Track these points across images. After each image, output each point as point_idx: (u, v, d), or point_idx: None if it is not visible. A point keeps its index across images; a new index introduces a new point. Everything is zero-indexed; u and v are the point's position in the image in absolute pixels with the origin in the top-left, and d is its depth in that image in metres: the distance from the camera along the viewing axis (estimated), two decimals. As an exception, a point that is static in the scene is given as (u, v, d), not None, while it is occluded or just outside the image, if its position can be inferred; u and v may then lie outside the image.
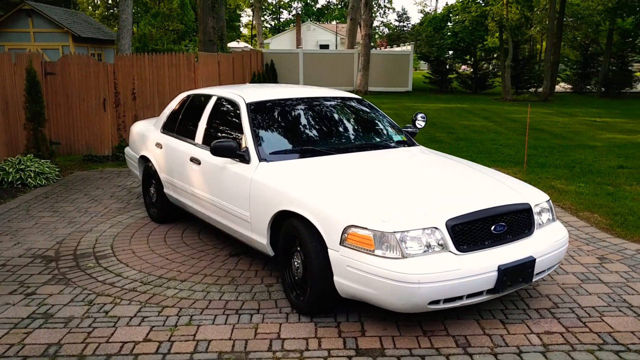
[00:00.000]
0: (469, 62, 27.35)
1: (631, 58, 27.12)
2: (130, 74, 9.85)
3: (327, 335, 3.54)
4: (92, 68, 9.64)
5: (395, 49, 31.16)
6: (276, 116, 4.79)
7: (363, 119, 5.18)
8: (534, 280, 3.63)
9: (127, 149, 6.83)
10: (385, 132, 5.08)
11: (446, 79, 27.90)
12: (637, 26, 24.19)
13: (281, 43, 58.17)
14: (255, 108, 4.70)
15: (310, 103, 5.04)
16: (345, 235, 3.37)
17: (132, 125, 6.78)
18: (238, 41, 55.39)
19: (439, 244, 3.31)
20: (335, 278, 3.48)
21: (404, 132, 5.18)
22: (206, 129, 5.03)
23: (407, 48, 28.14)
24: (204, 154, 4.83)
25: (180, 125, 5.52)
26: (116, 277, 4.54)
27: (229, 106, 4.95)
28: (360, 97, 5.43)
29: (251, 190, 4.16)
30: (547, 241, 3.72)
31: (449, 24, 25.39)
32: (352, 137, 4.88)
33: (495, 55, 27.52)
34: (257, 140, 4.40)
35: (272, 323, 3.71)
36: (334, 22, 68.41)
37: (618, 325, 3.67)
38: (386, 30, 78.27)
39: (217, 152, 4.33)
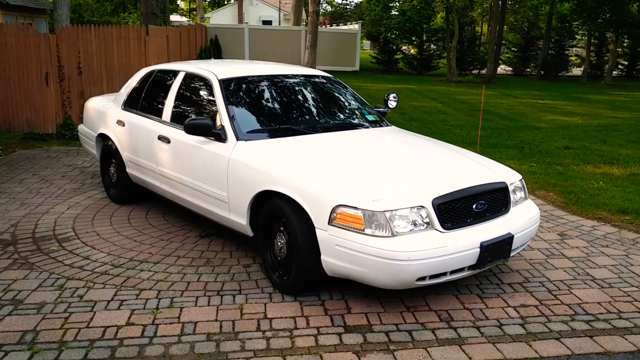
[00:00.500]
0: (415, 42, 27.66)
1: (568, 43, 28.19)
2: (75, 46, 9.39)
3: (313, 313, 3.55)
4: (31, 39, 9.12)
5: (342, 27, 31.07)
6: (250, 94, 4.69)
7: (337, 97, 5.16)
8: (511, 255, 3.75)
9: (81, 127, 6.55)
10: (358, 111, 5.08)
11: (392, 59, 28.16)
12: (573, 12, 25.11)
13: (222, 18, 56.94)
14: (229, 85, 4.59)
15: (283, 81, 4.97)
16: (334, 214, 3.37)
17: (87, 101, 6.49)
18: (175, 15, 53.78)
19: (425, 222, 3.37)
20: (322, 257, 3.48)
21: (375, 111, 5.20)
22: (175, 106, 4.88)
23: (355, 27, 28.15)
24: (174, 132, 4.69)
25: (144, 102, 5.33)
26: (84, 260, 4.37)
27: (199, 83, 4.81)
28: (330, 76, 5.40)
29: (229, 170, 4.08)
30: (522, 218, 3.85)
31: (396, 2, 25.51)
32: (327, 116, 4.85)
33: (440, 37, 27.96)
34: (233, 118, 4.30)
35: (257, 303, 3.68)
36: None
37: (585, 296, 3.86)
38: (329, 8, 77.95)
39: (191, 130, 4.21)
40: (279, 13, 57.81)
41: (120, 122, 5.48)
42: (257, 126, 4.40)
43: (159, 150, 4.85)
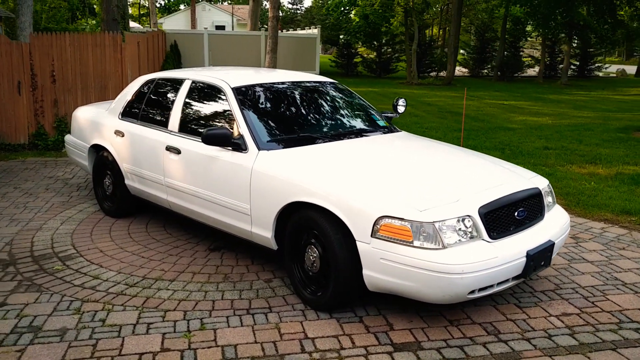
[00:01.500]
0: (374, 45, 27.81)
1: (522, 45, 28.93)
2: (49, 54, 8.93)
3: (355, 331, 3.40)
4: (3, 47, 8.63)
5: (302, 32, 30.95)
6: (264, 102, 4.52)
7: (347, 103, 5.03)
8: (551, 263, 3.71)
9: (69, 137, 6.19)
10: (370, 117, 4.96)
11: (352, 63, 28.22)
12: (527, 14, 25.76)
13: (174, 23, 55.99)
14: (242, 93, 4.39)
15: (293, 87, 4.81)
16: (378, 226, 3.24)
17: (76, 110, 6.15)
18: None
19: (472, 233, 3.27)
20: (364, 271, 3.34)
21: (383, 117, 5.10)
22: (183, 116, 4.64)
23: (314, 32, 28.07)
24: (185, 143, 4.46)
25: (146, 112, 5.06)
26: (94, 280, 4.09)
27: (209, 91, 4.59)
28: (335, 81, 5.27)
29: (253, 181, 3.89)
30: (557, 224, 3.81)
31: (355, 7, 25.56)
32: (343, 122, 4.72)
33: (398, 40, 28.20)
34: (252, 127, 4.12)
35: (292, 322, 3.51)
36: (225, 3, 66.95)
37: (624, 303, 3.85)
38: (280, 13, 77.80)
39: (210, 140, 4.00)
40: (232, 18, 57.29)
41: (118, 133, 5.19)
42: (277, 135, 4.23)
43: (168, 162, 4.60)
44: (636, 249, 4.85)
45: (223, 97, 4.40)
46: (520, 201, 3.60)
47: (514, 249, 3.34)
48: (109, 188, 5.50)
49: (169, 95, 4.92)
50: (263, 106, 4.46)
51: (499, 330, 3.44)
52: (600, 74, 30.53)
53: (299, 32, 30.65)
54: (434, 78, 26.25)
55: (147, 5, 56.51)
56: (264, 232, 3.92)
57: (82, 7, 31.33)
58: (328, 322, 3.50)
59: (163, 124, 4.78)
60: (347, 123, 4.72)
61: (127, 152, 5.10)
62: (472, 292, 3.23)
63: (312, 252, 3.63)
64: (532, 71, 30.21)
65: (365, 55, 28.71)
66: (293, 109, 4.63)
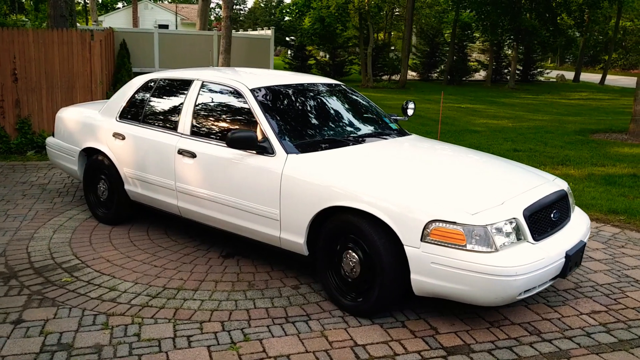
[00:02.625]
0: (327, 48, 27.91)
1: (470, 49, 29.76)
2: (10, 51, 8.45)
3: (402, 336, 3.36)
4: (-44, 42, 8.11)
5: (255, 32, 30.68)
6: (284, 104, 4.42)
7: (361, 106, 4.99)
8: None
9: (52, 140, 5.87)
10: (383, 119, 4.95)
11: (306, 65, 28.23)
12: (476, 20, 26.53)
13: (115, 21, 54.30)
14: (261, 95, 4.28)
15: (308, 89, 4.73)
16: (428, 230, 3.22)
17: (60, 111, 5.83)
18: (67, 17, 50.53)
19: (518, 235, 3.30)
20: (413, 276, 3.31)
21: (392, 119, 5.10)
22: (195, 118, 4.48)
23: (268, 32, 27.91)
24: (201, 146, 4.30)
25: (149, 114, 4.85)
26: (112, 291, 3.88)
27: (224, 92, 4.45)
28: (344, 84, 5.23)
29: (283, 186, 3.79)
30: (583, 224, 3.91)
31: (311, 9, 25.58)
32: (360, 125, 4.67)
33: (351, 44, 28.43)
34: (278, 130, 4.01)
35: (335, 329, 3.43)
36: (166, 1, 65.63)
37: (642, 299, 3.99)
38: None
39: (235, 143, 3.88)
40: (176, 17, 56.19)
41: (118, 135, 4.95)
42: (303, 138, 4.14)
43: (180, 166, 4.42)
44: (634, 247, 5.05)
45: (240, 99, 4.27)
46: (554, 203, 3.67)
47: (555, 249, 3.40)
48: (104, 194, 5.24)
49: (176, 96, 4.73)
50: (283, 108, 4.36)
51: (540, 330, 3.49)
52: (542, 79, 31.79)
53: (253, 32, 30.40)
54: (388, 81, 26.60)
55: (86, 2, 54.64)
56: (295, 237, 3.82)
57: (9, 1, 29.80)
58: (372, 328, 3.45)
59: (172, 127, 4.60)
60: (364, 125, 4.69)
61: (128, 156, 4.87)
62: (519, 293, 3.26)
63: (350, 258, 3.57)
64: (479, 75, 31.11)
65: (319, 58, 28.77)
66: (312, 111, 4.55)
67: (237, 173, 4.05)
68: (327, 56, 28.84)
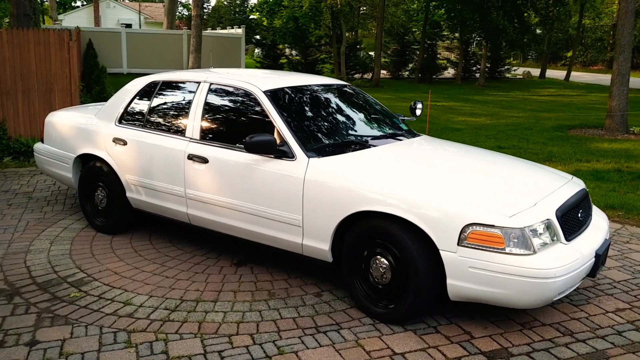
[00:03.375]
0: (299, 46, 27.77)
1: (440, 47, 30.04)
2: (-18, 53, 8.11)
3: (439, 343, 3.29)
4: None
5: (225, 31, 30.32)
6: (298, 106, 4.30)
7: (372, 106, 4.90)
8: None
9: (42, 147, 5.60)
10: (393, 120, 4.88)
11: (277, 64, 28.02)
12: (447, 18, 26.79)
13: (75, 20, 52.93)
14: (276, 97, 4.15)
15: (322, 90, 4.63)
16: (465, 234, 3.15)
17: (50, 116, 5.57)
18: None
19: (552, 236, 3.27)
20: (449, 281, 3.24)
21: (401, 120, 5.04)
22: (205, 122, 4.32)
23: (238, 31, 27.62)
24: (213, 151, 4.15)
25: (153, 118, 4.67)
26: (127, 306, 3.70)
27: (235, 95, 4.30)
28: (351, 85, 5.14)
29: (306, 191, 3.67)
30: (604, 222, 3.91)
31: (283, 8, 25.39)
32: (374, 126, 4.59)
33: (324, 42, 28.37)
34: (297, 133, 3.89)
35: (370, 338, 3.34)
36: (127, 0, 64.39)
37: (661, 295, 4.02)
38: (185, 12, 76.08)
39: (253, 148, 3.75)
40: (140, 16, 55.19)
41: (118, 141, 4.74)
42: (321, 141, 4.03)
43: (190, 172, 4.26)
44: (639, 242, 5.10)
45: (253, 102, 4.14)
46: (580, 202, 3.65)
47: (587, 249, 3.38)
48: (103, 202, 5.03)
49: (182, 99, 4.56)
50: (298, 110, 4.24)
51: (571, 330, 3.47)
52: (509, 76, 32.32)
53: (223, 31, 30.05)
54: (360, 80, 26.63)
55: (43, 0, 53.07)
56: (319, 244, 3.71)
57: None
58: (406, 335, 3.37)
59: (179, 131, 4.43)
60: (378, 127, 4.60)
61: (131, 162, 4.68)
62: (556, 295, 3.23)
63: (380, 264, 3.48)
64: (448, 73, 31.42)
65: (291, 57, 28.61)
66: (326, 113, 4.45)
67: (255, 179, 3.92)
68: (299, 55, 28.67)
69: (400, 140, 4.44)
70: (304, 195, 3.69)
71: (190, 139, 4.34)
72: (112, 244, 4.85)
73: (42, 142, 5.65)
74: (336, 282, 4.11)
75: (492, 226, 3.11)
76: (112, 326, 3.43)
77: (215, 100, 4.37)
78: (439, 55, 30.17)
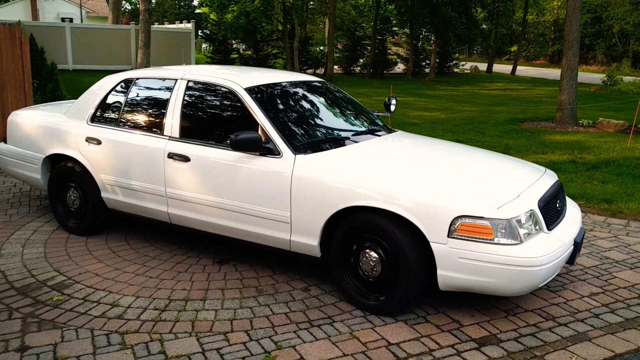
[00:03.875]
0: (250, 41, 27.54)
1: (390, 43, 30.44)
2: None
3: (430, 332, 3.40)
4: None
5: (173, 26, 29.72)
6: (280, 103, 4.31)
7: (349, 103, 4.96)
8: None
9: (5, 147, 5.40)
10: (370, 117, 4.95)
11: (229, 59, 27.72)
12: (398, 13, 27.16)
13: (10, 15, 50.70)
14: (257, 94, 4.15)
15: (299, 88, 4.65)
16: (455, 226, 3.26)
17: (13, 115, 5.37)
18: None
19: (536, 226, 3.42)
20: (440, 272, 3.34)
21: (375, 115, 5.13)
22: (184, 120, 4.28)
23: (188, 26, 27.16)
24: (195, 149, 4.12)
25: (127, 116, 4.58)
26: (115, 307, 3.65)
27: (214, 93, 4.28)
28: (327, 82, 5.18)
29: (294, 188, 3.71)
30: (577, 211, 4.10)
31: (232, 2, 25.06)
32: (353, 123, 4.65)
33: (275, 37, 28.26)
34: (281, 130, 3.92)
35: (363, 330, 3.41)
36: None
37: (630, 278, 4.25)
38: (128, 6, 74.23)
39: (239, 145, 3.75)
40: (81, 10, 53.44)
41: (92, 140, 4.64)
42: (305, 138, 4.07)
43: (171, 170, 4.22)
44: (602, 230, 5.37)
45: (234, 99, 4.13)
46: (557, 192, 3.83)
47: (567, 237, 3.55)
48: (75, 203, 4.90)
49: (159, 97, 4.50)
50: (280, 107, 4.26)
51: (553, 315, 3.64)
52: (457, 70, 33.09)
53: (171, 26, 29.49)
54: (313, 75, 26.68)
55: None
56: (307, 240, 3.75)
57: None
58: (398, 326, 3.46)
59: (157, 129, 4.37)
60: (357, 123, 4.66)
61: (106, 162, 4.58)
62: (541, 282, 3.38)
63: (370, 257, 3.55)
64: (397, 68, 31.87)
65: (242, 52, 28.36)
66: (307, 110, 4.48)
67: (240, 176, 3.92)
68: (250, 50, 28.45)
69: (379, 135, 4.53)
70: (291, 192, 3.72)
71: (170, 137, 4.29)
72: (87, 245, 4.74)
73: (5, 142, 5.44)
74: (322, 276, 4.17)
75: (481, 218, 3.23)
76: (103, 328, 3.38)
77: (194, 98, 4.34)
78: (389, 51, 30.56)
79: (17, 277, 4.09)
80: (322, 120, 4.47)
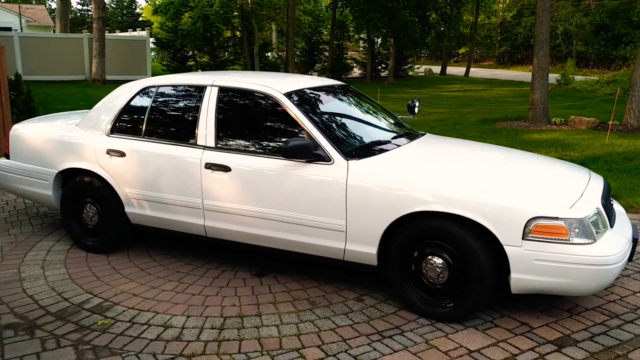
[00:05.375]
0: (207, 48, 27.14)
1: (347, 47, 30.59)
2: None
3: (505, 336, 3.34)
4: None
5: (127, 34, 28.91)
6: (318, 107, 4.18)
7: (377, 107, 4.88)
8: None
9: (8, 163, 5.03)
10: (397, 120, 4.89)
11: (185, 66, 27.24)
12: (355, 18, 27.35)
13: (-59, 24, 48.38)
14: (296, 100, 4.02)
15: (331, 92, 4.54)
16: (530, 228, 3.22)
17: (16, 129, 5.03)
18: None
19: (603, 224, 3.42)
20: (513, 275, 3.29)
21: (400, 118, 5.08)
22: (219, 129, 4.09)
23: (143, 34, 26.50)
24: (236, 159, 3.95)
25: (153, 126, 4.35)
26: (169, 329, 3.43)
27: (251, 99, 4.11)
28: (349, 85, 5.09)
29: (349, 195, 3.59)
30: (621, 208, 4.15)
31: (189, 9, 24.63)
32: (389, 126, 4.56)
33: (232, 43, 27.94)
34: (329, 136, 3.80)
35: (438, 338, 3.33)
36: (2, 0, 59.85)
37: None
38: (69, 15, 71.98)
39: (291, 153, 3.61)
40: (20, 19, 51.46)
41: (114, 152, 4.38)
42: (351, 142, 3.95)
43: (209, 181, 4.02)
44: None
45: (273, 105, 3.98)
46: (608, 190, 3.86)
47: (627, 234, 3.57)
48: (93, 220, 4.62)
49: (187, 105, 4.29)
50: (320, 112, 4.13)
51: (615, 313, 3.66)
52: (412, 73, 33.56)
53: (126, 34, 28.71)
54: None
55: None
56: (364, 248, 3.64)
57: None
58: (471, 332, 3.39)
59: (189, 139, 4.17)
60: (390, 126, 4.58)
61: (131, 175, 4.34)
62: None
63: (435, 264, 3.47)
64: (354, 72, 32.08)
65: (198, 59, 27.90)
66: (344, 114, 4.37)
67: (287, 185, 3.77)
68: (207, 57, 28.03)
69: (416, 138, 4.47)
70: (347, 200, 3.60)
71: (205, 146, 4.09)
72: (111, 263, 4.48)
73: (7, 157, 5.09)
74: (369, 284, 4.07)
75: (556, 218, 3.20)
76: (166, 352, 3.17)
77: (229, 105, 4.16)
78: (346, 55, 30.72)
79: (49, 301, 3.80)
80: (358, 124, 4.37)
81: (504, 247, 3.28)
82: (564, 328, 3.44)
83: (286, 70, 24.97)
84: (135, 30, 28.26)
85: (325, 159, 3.70)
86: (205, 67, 27.84)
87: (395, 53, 30.30)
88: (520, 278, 3.29)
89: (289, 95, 4.01)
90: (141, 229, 4.56)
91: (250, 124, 4.09)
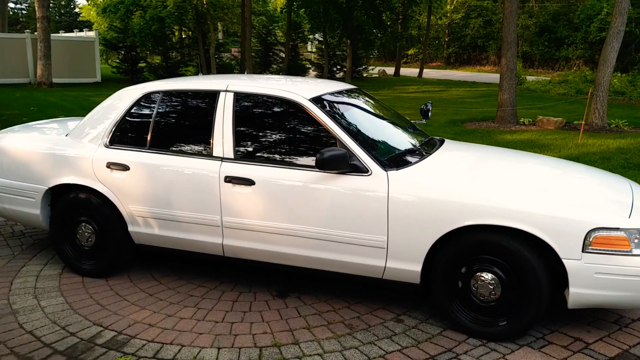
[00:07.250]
0: (159, 49, 26.26)
1: (302, 49, 30.36)
2: None
3: (563, 354, 3.17)
4: None
5: (73, 34, 27.64)
6: (345, 114, 3.90)
7: (393, 112, 4.64)
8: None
9: (-13, 179, 4.53)
10: (414, 126, 4.67)
11: (136, 68, 26.27)
12: (311, 19, 27.13)
13: None
14: (323, 106, 3.74)
15: (350, 97, 4.27)
16: (589, 240, 3.06)
17: (-2, 141, 4.52)
18: None
19: (650, 233, 3.30)
20: (572, 290, 3.12)
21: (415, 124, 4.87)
22: (237, 139, 3.76)
23: (90, 34, 25.44)
24: (259, 171, 3.63)
25: (160, 136, 3.96)
26: (202, 364, 3.09)
27: (271, 105, 3.80)
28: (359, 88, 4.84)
29: (391, 208, 3.34)
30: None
31: (140, 8, 23.71)
32: (410, 133, 4.31)
33: (185, 44, 27.20)
34: (362, 144, 3.53)
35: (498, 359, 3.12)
36: None
37: None
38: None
39: (327, 164, 3.32)
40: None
41: (116, 166, 3.97)
42: (385, 151, 3.70)
43: (230, 196, 3.68)
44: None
45: (298, 112, 3.69)
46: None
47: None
48: (89, 240, 4.19)
49: (199, 112, 3.93)
50: (347, 119, 3.85)
51: (659, 324, 3.55)
52: (366, 75, 33.62)
53: (72, 34, 27.49)
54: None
55: None
56: (408, 266, 3.40)
57: None
58: (527, 352, 3.20)
59: (203, 150, 3.81)
60: (413, 133, 4.35)
61: (136, 191, 3.94)
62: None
63: (486, 280, 3.27)
64: (309, 74, 31.86)
65: (150, 60, 26.97)
66: (369, 121, 4.10)
67: (319, 199, 3.48)
68: (159, 58, 27.15)
69: (442, 144, 4.26)
70: (388, 214, 3.35)
71: (223, 158, 3.75)
72: (112, 288, 4.06)
73: (-18, 173, 4.56)
74: (403, 302, 3.83)
75: (617, 229, 3.05)
76: (206, 393, 2.82)
77: (246, 112, 3.83)
78: (301, 56, 30.47)
79: (54, 337, 3.37)
80: (384, 130, 4.13)
81: (563, 260, 3.10)
82: (620, 342, 3.30)
83: (242, 72, 24.48)
84: (83, 31, 27.13)
85: (362, 169, 3.43)
86: (157, 69, 26.96)
87: (351, 54, 30.33)
88: (579, 293, 3.12)
89: (314, 100, 3.72)
90: (143, 249, 4.16)
91: (273, 132, 3.77)
